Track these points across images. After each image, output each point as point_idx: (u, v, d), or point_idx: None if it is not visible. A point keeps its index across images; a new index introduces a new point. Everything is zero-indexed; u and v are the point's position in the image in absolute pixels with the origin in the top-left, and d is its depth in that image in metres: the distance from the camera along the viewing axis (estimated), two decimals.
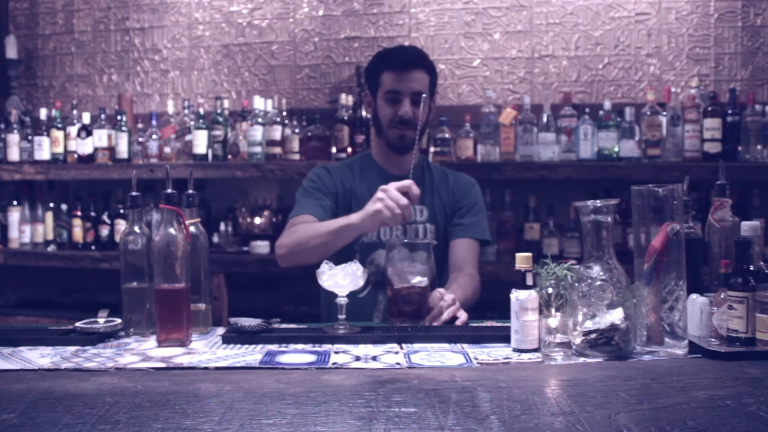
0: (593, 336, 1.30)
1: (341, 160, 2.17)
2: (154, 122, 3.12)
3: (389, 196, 1.68)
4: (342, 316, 1.51)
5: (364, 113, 2.95)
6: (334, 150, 2.95)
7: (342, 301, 1.51)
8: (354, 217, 1.76)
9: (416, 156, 2.06)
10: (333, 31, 3.27)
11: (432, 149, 2.89)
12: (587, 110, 2.81)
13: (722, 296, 1.35)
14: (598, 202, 1.33)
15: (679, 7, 3.00)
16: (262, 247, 2.99)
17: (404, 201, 1.67)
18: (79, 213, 3.17)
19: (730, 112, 2.71)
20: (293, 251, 1.85)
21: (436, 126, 2.91)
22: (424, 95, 1.91)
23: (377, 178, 1.97)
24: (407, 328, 1.57)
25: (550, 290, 1.34)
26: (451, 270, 2.00)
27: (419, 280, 1.63)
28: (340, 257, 1.65)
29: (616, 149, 2.76)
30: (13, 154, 3.20)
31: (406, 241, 1.69)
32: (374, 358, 1.33)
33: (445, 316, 1.62)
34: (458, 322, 1.63)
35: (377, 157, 2.09)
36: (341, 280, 1.51)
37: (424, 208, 2.02)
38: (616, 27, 3.05)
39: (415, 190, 1.70)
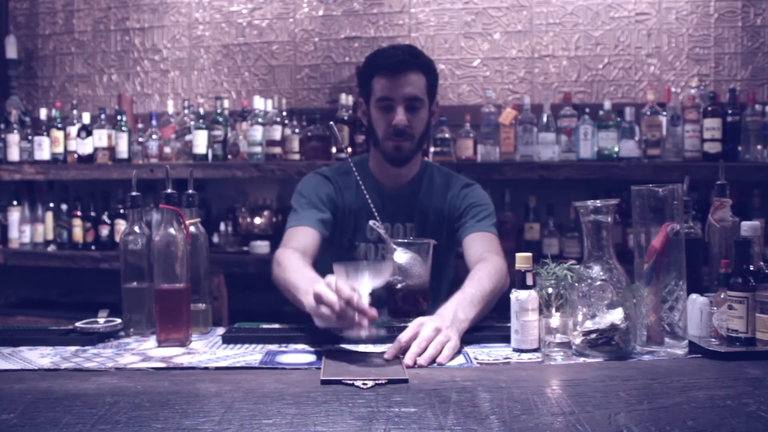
0: (593, 336, 1.30)
1: (337, 165, 1.99)
2: (154, 122, 3.12)
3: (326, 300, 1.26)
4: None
5: None
6: (334, 150, 2.95)
7: None
8: (306, 299, 1.38)
9: (417, 166, 1.92)
10: (333, 31, 3.27)
11: (432, 149, 2.89)
12: (587, 110, 2.81)
13: (722, 296, 1.35)
14: (598, 202, 1.33)
15: (679, 7, 3.00)
16: (262, 247, 2.99)
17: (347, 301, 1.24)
18: (79, 213, 3.17)
19: (730, 112, 2.71)
20: (278, 285, 1.63)
21: (436, 126, 2.91)
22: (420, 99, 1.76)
23: (371, 193, 1.80)
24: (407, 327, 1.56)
25: (550, 290, 1.34)
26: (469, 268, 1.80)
27: (419, 281, 1.63)
28: (336, 258, 1.56)
29: (616, 149, 2.76)
30: (13, 154, 3.20)
31: (405, 241, 1.68)
32: None
33: (429, 353, 1.27)
34: (439, 359, 1.27)
35: (374, 168, 1.92)
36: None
37: (414, 226, 1.90)
38: (616, 27, 3.05)
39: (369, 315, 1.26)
